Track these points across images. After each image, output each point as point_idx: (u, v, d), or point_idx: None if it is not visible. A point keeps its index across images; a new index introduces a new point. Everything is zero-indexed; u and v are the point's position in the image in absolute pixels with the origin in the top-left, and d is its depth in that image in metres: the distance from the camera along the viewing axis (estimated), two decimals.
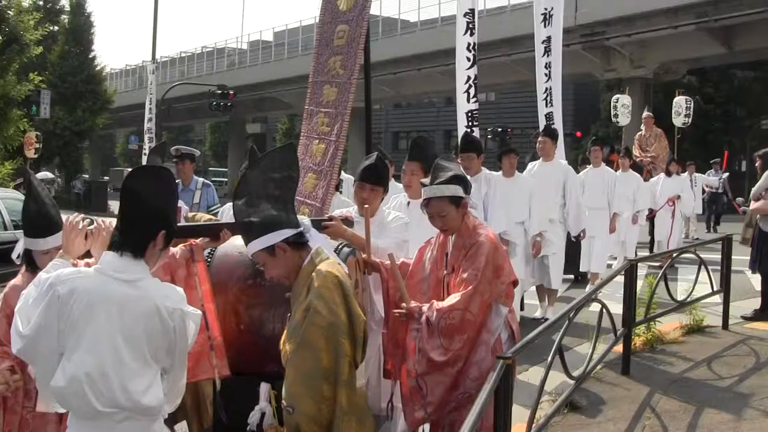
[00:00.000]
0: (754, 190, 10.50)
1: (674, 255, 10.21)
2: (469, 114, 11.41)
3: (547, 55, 13.22)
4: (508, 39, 35.10)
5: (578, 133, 41.60)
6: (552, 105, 13.15)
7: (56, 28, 47.35)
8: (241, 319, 4.61)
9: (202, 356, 4.40)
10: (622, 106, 22.18)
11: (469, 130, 11.04)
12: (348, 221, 5.42)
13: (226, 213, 7.07)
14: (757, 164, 10.83)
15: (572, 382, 6.37)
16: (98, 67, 49.80)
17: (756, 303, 10.62)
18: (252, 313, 4.59)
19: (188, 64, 64.59)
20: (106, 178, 59.20)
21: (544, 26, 13.32)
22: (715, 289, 10.08)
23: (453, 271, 4.77)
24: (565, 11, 34.38)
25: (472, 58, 11.46)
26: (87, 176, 54.58)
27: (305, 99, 7.51)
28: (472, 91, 11.43)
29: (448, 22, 37.68)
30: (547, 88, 13.21)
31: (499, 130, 36.10)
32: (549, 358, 5.53)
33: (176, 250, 4.59)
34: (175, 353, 3.43)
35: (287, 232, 3.93)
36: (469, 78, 11.49)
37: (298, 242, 3.98)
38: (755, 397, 6.98)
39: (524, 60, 32.97)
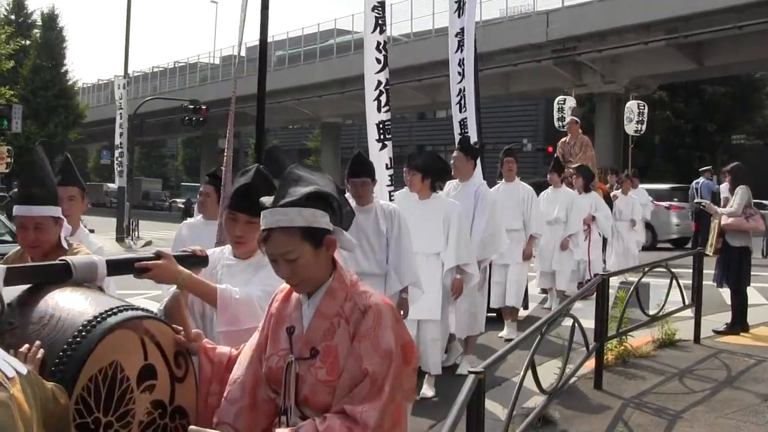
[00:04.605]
0: (734, 208, 10.32)
1: (646, 269, 10.21)
2: (380, 125, 9.36)
3: (461, 51, 11.15)
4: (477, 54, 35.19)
5: (549, 148, 41.66)
6: (466, 110, 10.99)
7: (28, 42, 47.30)
8: None
9: None
10: (569, 108, 19.88)
11: (380, 144, 9.33)
12: (197, 258, 3.53)
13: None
14: (727, 179, 10.86)
15: (545, 396, 6.37)
16: (70, 82, 49.73)
17: (727, 317, 10.68)
18: None
19: (160, 79, 64.37)
20: None
21: (458, 16, 11.28)
22: (686, 303, 10.15)
23: (313, 355, 2.75)
24: (536, 27, 34.43)
25: (382, 59, 9.47)
26: None
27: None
28: (383, 98, 9.41)
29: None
30: (460, 90, 11.04)
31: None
32: (521, 373, 5.52)
33: None
34: None
35: None
36: (379, 83, 9.42)
37: None
38: (727, 411, 7.00)
39: (494, 75, 33.53)
